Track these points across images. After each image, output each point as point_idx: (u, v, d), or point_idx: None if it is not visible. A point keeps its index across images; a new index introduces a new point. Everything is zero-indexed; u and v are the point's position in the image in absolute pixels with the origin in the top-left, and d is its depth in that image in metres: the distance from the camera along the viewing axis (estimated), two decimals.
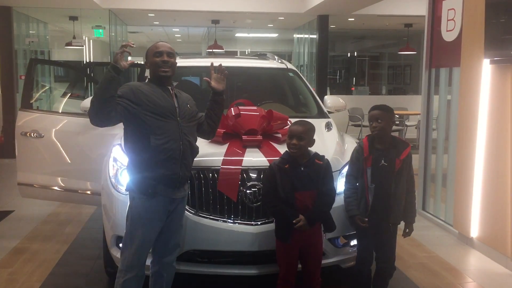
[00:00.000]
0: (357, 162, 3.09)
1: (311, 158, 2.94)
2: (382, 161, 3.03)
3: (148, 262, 2.85)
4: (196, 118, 2.94)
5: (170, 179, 2.70)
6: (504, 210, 3.99)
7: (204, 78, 3.08)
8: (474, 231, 4.41)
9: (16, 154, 4.36)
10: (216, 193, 3.07)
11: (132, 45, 2.63)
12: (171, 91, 2.81)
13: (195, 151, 2.86)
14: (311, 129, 2.95)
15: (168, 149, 2.67)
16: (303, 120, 3.07)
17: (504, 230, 4.00)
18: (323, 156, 2.99)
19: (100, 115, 2.60)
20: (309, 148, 2.97)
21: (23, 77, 8.77)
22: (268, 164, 3.03)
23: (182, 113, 2.79)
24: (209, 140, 3.33)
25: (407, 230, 3.17)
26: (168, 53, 2.78)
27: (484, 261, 4.21)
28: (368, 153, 3.04)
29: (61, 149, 4.28)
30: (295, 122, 3.01)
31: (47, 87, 10.99)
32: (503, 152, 4.01)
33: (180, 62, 4.65)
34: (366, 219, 3.03)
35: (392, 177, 3.02)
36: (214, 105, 3.00)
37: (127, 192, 2.93)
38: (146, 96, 2.68)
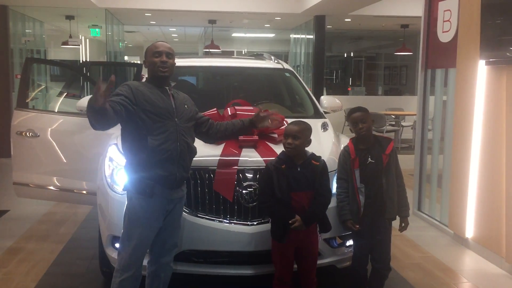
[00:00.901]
0: (345, 165, 3.13)
1: (308, 158, 2.95)
2: (369, 159, 3.08)
3: (145, 262, 2.84)
4: (194, 119, 2.94)
5: (167, 179, 2.70)
6: (499, 210, 4.00)
7: (260, 110, 3.13)
8: (469, 231, 4.43)
9: (12, 153, 4.35)
10: (212, 193, 3.07)
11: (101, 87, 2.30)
12: (169, 92, 2.81)
13: (193, 151, 2.86)
14: (306, 129, 2.96)
15: (165, 149, 2.67)
16: (300, 120, 3.08)
17: (498, 231, 4.01)
18: (320, 157, 3.00)
19: (101, 126, 2.51)
20: (306, 149, 2.98)
21: (19, 76, 8.73)
22: (264, 164, 3.03)
23: (180, 113, 2.79)
24: None
25: (403, 225, 3.19)
26: (167, 53, 2.78)
27: (479, 261, 4.22)
28: (354, 155, 3.09)
29: (57, 148, 4.27)
30: (291, 122, 3.02)
31: (43, 87, 10.97)
32: (498, 153, 4.03)
33: (177, 62, 4.64)
34: (357, 226, 3.05)
35: (382, 173, 3.07)
36: (240, 129, 3.11)
37: (123, 192, 2.93)
38: (144, 97, 2.67)
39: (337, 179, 3.18)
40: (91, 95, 2.39)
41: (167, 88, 2.81)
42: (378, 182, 3.06)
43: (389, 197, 3.09)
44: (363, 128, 3.07)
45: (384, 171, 3.08)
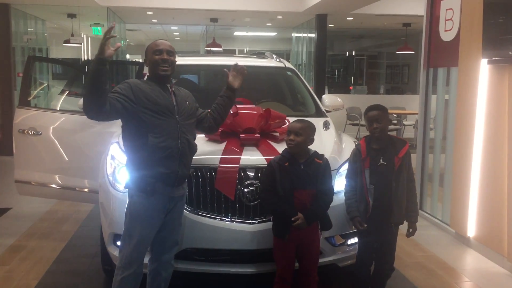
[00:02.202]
0: (354, 164, 3.08)
1: (311, 157, 2.95)
2: (381, 160, 3.01)
3: (146, 260, 2.85)
4: (195, 115, 2.94)
5: (168, 177, 2.70)
6: (501, 209, 4.00)
7: (224, 69, 3.11)
8: (471, 230, 4.42)
9: (14, 151, 4.35)
10: (213, 191, 3.07)
11: (113, 26, 2.55)
12: (170, 89, 2.81)
13: (193, 149, 2.87)
14: (309, 127, 2.96)
15: (166, 147, 2.67)
16: (303, 118, 3.08)
17: (500, 230, 4.01)
18: (323, 155, 3.00)
19: (94, 109, 2.55)
20: (308, 147, 2.98)
21: (21, 75, 8.76)
22: (266, 163, 3.03)
23: (181, 111, 2.80)
24: (207, 139, 3.34)
25: (411, 230, 3.14)
26: (168, 51, 2.78)
27: (480, 260, 4.22)
28: (365, 155, 3.03)
29: (59, 146, 4.28)
30: (295, 120, 3.02)
31: (45, 85, 10.98)
32: (500, 152, 4.02)
33: (179, 60, 4.64)
34: (366, 225, 3.01)
35: (392, 176, 3.00)
36: (225, 100, 3.06)
37: (125, 190, 2.93)
38: (144, 94, 2.68)
39: (346, 176, 3.16)
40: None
41: (168, 85, 2.81)
42: (388, 185, 3.00)
43: (397, 202, 3.03)
44: (377, 128, 2.99)
45: (395, 174, 3.00)
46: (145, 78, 2.94)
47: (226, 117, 3.13)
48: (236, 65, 3.12)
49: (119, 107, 2.59)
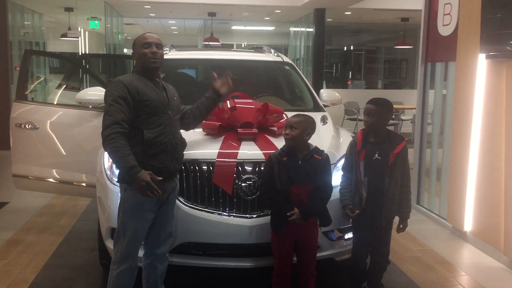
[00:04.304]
0: (350, 156, 3.11)
1: (310, 152, 2.95)
2: (376, 155, 3.03)
3: (140, 254, 2.86)
4: (180, 111, 2.99)
5: (161, 172, 2.70)
6: (498, 204, 4.01)
7: (212, 72, 3.13)
8: (468, 225, 4.44)
9: (11, 145, 4.35)
10: (211, 185, 3.07)
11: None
12: (161, 84, 2.82)
13: (184, 143, 2.91)
14: (306, 121, 2.95)
15: (160, 142, 2.69)
16: (302, 113, 3.08)
17: (497, 224, 4.03)
18: (323, 151, 3.00)
19: None
20: (309, 142, 2.98)
21: (18, 69, 8.72)
22: (264, 157, 3.04)
23: (172, 106, 2.83)
24: (205, 133, 3.35)
25: (401, 226, 3.15)
26: (156, 44, 2.79)
27: (477, 255, 4.24)
28: (361, 147, 3.05)
29: (56, 141, 4.27)
30: (293, 114, 3.03)
31: (42, 79, 10.96)
32: (497, 146, 4.03)
33: (176, 54, 4.64)
34: (357, 211, 3.03)
35: (386, 171, 3.02)
36: (210, 102, 3.10)
37: None
38: (138, 91, 2.67)
39: (342, 168, 3.19)
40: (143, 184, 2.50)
41: (158, 80, 2.82)
42: (381, 180, 3.01)
43: (389, 197, 3.04)
44: (367, 122, 3.04)
45: (389, 170, 3.01)
46: (132, 71, 2.92)
47: (205, 117, 3.18)
48: (227, 72, 3.15)
49: (128, 115, 2.62)
